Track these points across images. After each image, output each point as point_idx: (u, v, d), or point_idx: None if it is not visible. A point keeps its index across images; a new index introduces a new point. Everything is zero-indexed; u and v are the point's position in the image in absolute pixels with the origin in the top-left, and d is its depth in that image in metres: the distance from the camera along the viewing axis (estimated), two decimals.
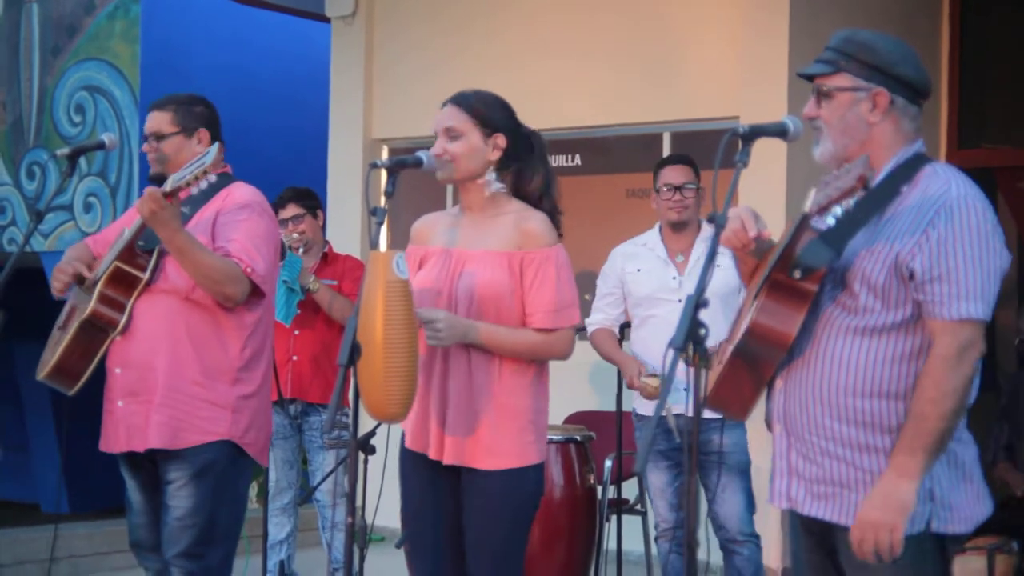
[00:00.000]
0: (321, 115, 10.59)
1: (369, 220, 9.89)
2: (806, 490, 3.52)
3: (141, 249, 4.72)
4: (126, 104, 11.28)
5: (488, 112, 4.36)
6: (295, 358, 7.29)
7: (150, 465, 4.82)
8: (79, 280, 4.82)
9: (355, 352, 3.78)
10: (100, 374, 4.86)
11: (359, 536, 3.84)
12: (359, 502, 3.89)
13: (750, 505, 6.25)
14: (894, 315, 3.42)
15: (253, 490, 10.19)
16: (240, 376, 4.79)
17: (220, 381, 4.76)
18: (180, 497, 4.74)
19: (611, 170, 9.73)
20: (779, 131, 3.55)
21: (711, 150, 8.99)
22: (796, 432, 3.53)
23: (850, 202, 3.35)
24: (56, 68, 11.73)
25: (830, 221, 3.40)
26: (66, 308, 4.94)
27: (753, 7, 8.55)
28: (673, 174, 6.40)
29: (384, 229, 10.21)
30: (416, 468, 4.40)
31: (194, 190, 4.67)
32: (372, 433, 4.08)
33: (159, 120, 4.94)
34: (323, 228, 7.51)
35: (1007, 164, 8.95)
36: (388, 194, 4.04)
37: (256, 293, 4.77)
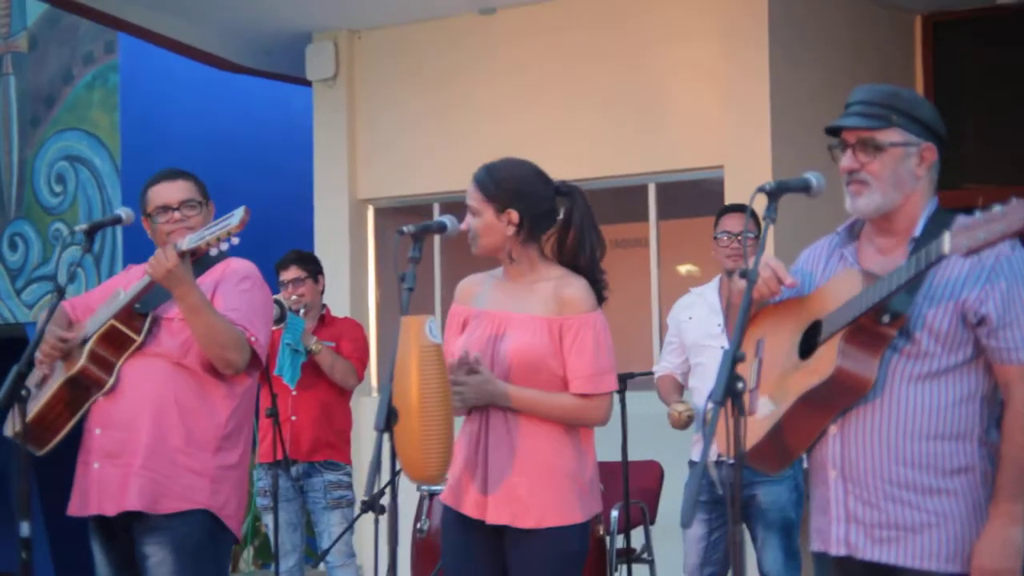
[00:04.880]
0: (303, 178, 10.64)
1: (352, 281, 10.09)
2: (866, 535, 3.58)
3: (137, 312, 4.70)
4: (107, 172, 11.33)
5: (498, 189, 4.42)
6: (294, 418, 7.34)
7: (123, 535, 4.74)
8: (62, 348, 4.73)
9: (391, 417, 3.83)
10: (70, 438, 4.78)
11: None
12: (369, 561, 3.88)
13: (791, 563, 6.27)
14: (953, 358, 3.52)
15: (249, 553, 10.20)
16: (222, 445, 4.75)
17: (203, 449, 4.71)
18: (161, 574, 4.65)
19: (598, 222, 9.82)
20: (803, 187, 3.62)
21: (696, 200, 9.14)
22: (855, 478, 3.59)
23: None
24: (35, 139, 11.78)
25: (948, 262, 3.43)
26: (38, 371, 4.85)
27: (734, 55, 8.65)
28: (732, 222, 6.44)
29: (372, 290, 10.29)
30: (457, 527, 4.44)
31: (213, 251, 4.64)
32: (381, 493, 4.11)
33: (188, 189, 4.87)
34: (322, 293, 7.56)
35: (990, 203, 9.05)
36: (414, 260, 4.09)
37: (253, 363, 4.76)
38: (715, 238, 6.49)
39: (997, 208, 3.20)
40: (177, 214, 4.81)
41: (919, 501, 3.53)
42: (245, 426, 4.87)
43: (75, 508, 4.80)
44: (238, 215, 4.49)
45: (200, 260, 4.72)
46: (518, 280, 4.48)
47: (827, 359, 3.51)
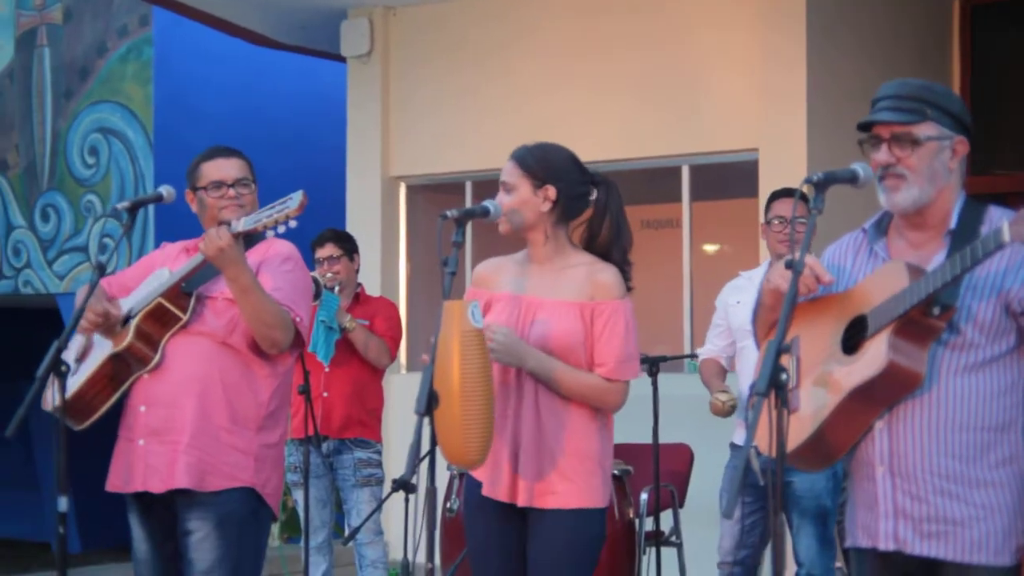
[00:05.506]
0: (335, 154, 10.65)
1: (384, 258, 10.10)
2: (914, 530, 3.59)
3: (182, 291, 4.71)
4: (140, 145, 11.35)
5: (538, 165, 4.45)
6: (326, 395, 7.35)
7: (163, 511, 4.74)
8: (105, 319, 4.73)
9: (432, 401, 3.84)
10: (115, 410, 4.79)
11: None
12: (396, 539, 3.89)
13: (827, 552, 6.28)
14: (996, 348, 3.54)
15: (276, 527, 10.24)
16: (265, 424, 4.77)
17: (247, 428, 4.72)
18: (203, 549, 4.66)
19: (628, 202, 9.81)
20: (850, 178, 3.61)
21: (730, 182, 9.14)
22: (904, 472, 3.59)
23: None
24: (69, 111, 11.80)
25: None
26: (77, 346, 4.87)
27: (771, 39, 8.64)
28: (785, 207, 6.41)
29: (403, 267, 10.30)
30: (484, 511, 4.48)
31: (269, 234, 4.65)
32: (413, 472, 4.12)
33: (242, 168, 4.87)
34: (357, 271, 7.58)
35: (1020, 190, 9.05)
36: (457, 244, 4.10)
37: (297, 342, 4.78)
38: (767, 223, 6.46)
39: None
40: (232, 191, 4.81)
41: (967, 494, 3.54)
42: (285, 405, 4.90)
43: (117, 484, 4.80)
44: (296, 199, 4.49)
45: (244, 239, 4.71)
46: (545, 264, 4.49)
47: (876, 354, 3.51)
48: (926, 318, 3.50)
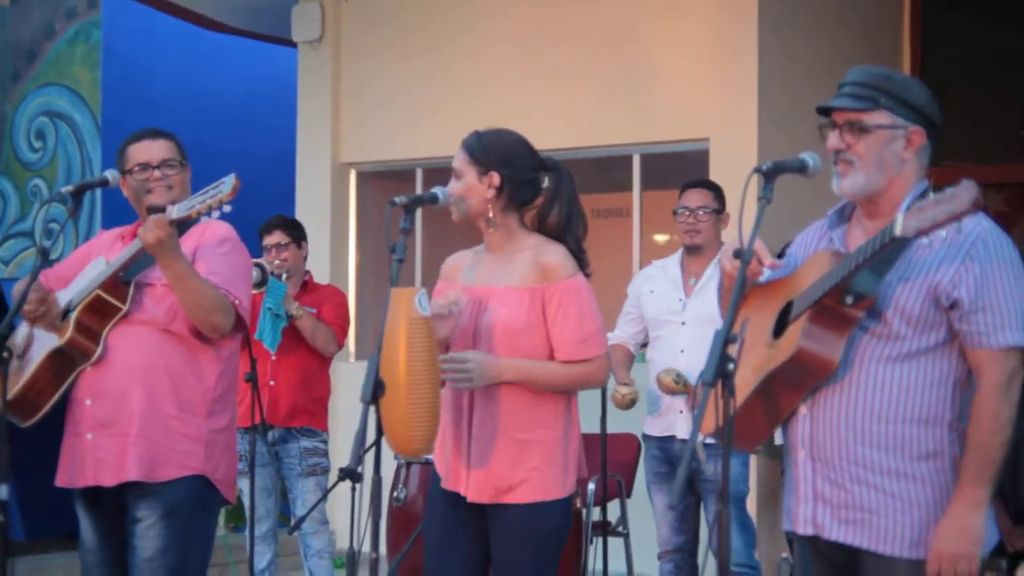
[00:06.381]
0: (285, 139, 10.59)
1: (333, 245, 10.05)
2: (832, 515, 3.59)
3: (121, 281, 4.66)
4: (87, 129, 11.23)
5: (483, 151, 4.43)
6: (272, 383, 7.30)
7: (112, 502, 4.71)
8: (40, 310, 4.69)
9: (378, 389, 3.80)
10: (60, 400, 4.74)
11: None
12: (341, 527, 3.88)
13: (746, 535, 6.35)
14: (924, 341, 3.51)
15: (221, 516, 10.17)
16: (213, 409, 4.73)
17: (195, 414, 4.69)
18: (149, 537, 4.63)
19: (579, 191, 9.80)
20: (799, 167, 3.61)
21: (681, 172, 9.16)
22: (824, 458, 3.59)
23: (960, 224, 3.32)
24: (16, 93, 11.66)
25: (925, 242, 3.43)
26: (20, 339, 4.81)
27: (724, 29, 8.65)
28: (689, 197, 6.46)
29: (352, 254, 10.25)
30: (442, 500, 4.44)
31: (203, 219, 4.61)
32: (359, 461, 4.08)
33: (168, 148, 4.84)
34: (305, 259, 7.53)
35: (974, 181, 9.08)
36: (405, 231, 4.07)
37: (239, 325, 4.74)
38: (674, 213, 6.50)
39: (949, 190, 3.23)
40: (157, 172, 4.79)
41: (885, 484, 3.53)
42: (232, 389, 4.86)
43: (65, 479, 4.76)
44: (229, 183, 4.42)
45: (178, 225, 4.65)
46: (498, 253, 4.47)
47: (791, 340, 3.53)
48: (840, 307, 3.50)
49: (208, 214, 4.52)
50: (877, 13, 9.60)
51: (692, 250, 6.44)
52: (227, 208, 4.53)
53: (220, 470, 4.75)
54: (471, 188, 4.42)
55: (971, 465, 3.48)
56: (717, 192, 6.49)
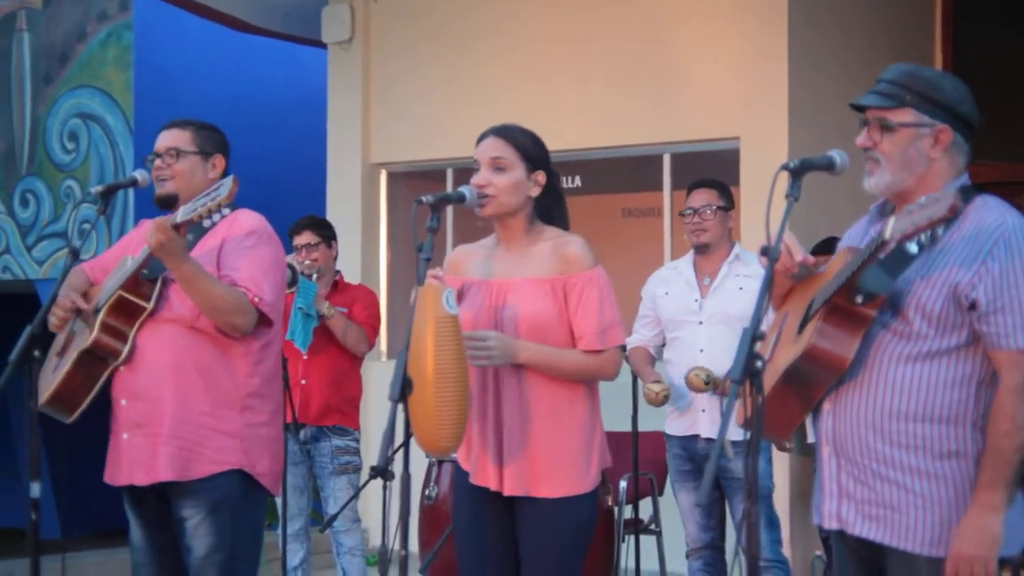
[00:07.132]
0: (316, 141, 10.60)
1: (364, 245, 10.07)
2: (856, 511, 3.59)
3: (145, 278, 4.64)
4: (120, 131, 11.28)
5: (532, 148, 4.42)
6: (304, 382, 7.32)
7: (154, 500, 4.72)
8: (76, 312, 4.73)
9: (406, 387, 3.80)
10: (100, 400, 4.77)
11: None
12: (374, 525, 3.88)
13: (772, 531, 6.35)
14: (947, 341, 3.49)
15: None
16: (248, 403, 4.70)
17: (228, 409, 4.66)
18: (199, 536, 4.64)
19: (609, 190, 9.80)
20: (827, 164, 3.59)
21: (711, 171, 9.14)
22: (847, 454, 3.59)
23: (938, 230, 3.38)
24: (48, 96, 11.73)
25: (913, 248, 3.45)
26: (62, 334, 4.84)
27: (753, 28, 8.63)
28: (693, 197, 6.48)
29: (383, 255, 10.27)
30: (470, 495, 4.44)
31: (206, 223, 4.61)
32: (390, 460, 4.09)
33: (177, 137, 4.83)
34: (335, 259, 7.55)
35: (1002, 180, 9.05)
36: (432, 229, 4.07)
37: (264, 322, 4.69)
38: (681, 215, 6.53)
39: (933, 195, 3.31)
40: (159, 161, 4.81)
41: (907, 481, 3.52)
42: (273, 383, 4.82)
43: (109, 477, 4.80)
44: (227, 185, 4.41)
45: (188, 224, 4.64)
46: (512, 246, 4.45)
47: (806, 336, 3.55)
48: (850, 305, 3.50)
49: (210, 217, 4.55)
50: (909, 14, 9.57)
51: (701, 249, 6.45)
52: (226, 212, 4.64)
53: (262, 464, 4.73)
54: (519, 185, 4.39)
55: (988, 468, 3.46)
56: (722, 190, 6.50)
